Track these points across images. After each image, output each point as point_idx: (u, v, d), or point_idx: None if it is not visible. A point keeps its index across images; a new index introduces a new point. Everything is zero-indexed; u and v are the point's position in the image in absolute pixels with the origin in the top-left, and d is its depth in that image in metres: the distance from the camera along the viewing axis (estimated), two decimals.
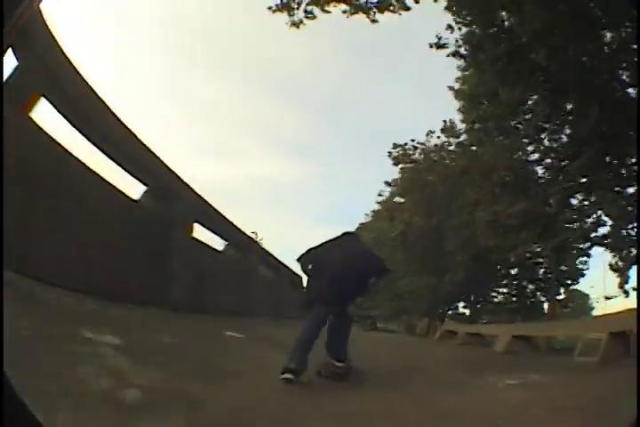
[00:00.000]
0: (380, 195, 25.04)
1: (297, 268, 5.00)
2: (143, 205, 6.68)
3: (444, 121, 20.57)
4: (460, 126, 18.34)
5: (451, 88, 15.49)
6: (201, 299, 7.55)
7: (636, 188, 11.79)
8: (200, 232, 8.48)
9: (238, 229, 10.54)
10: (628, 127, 9.55)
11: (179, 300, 6.66)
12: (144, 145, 6.41)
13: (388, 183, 23.58)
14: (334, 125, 55.79)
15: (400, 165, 21.58)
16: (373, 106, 52.52)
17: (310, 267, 4.30)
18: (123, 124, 5.82)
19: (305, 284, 4.69)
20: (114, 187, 5.72)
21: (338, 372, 3.99)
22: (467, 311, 23.34)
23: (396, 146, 21.41)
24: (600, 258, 16.27)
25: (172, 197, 7.12)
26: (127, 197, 6.13)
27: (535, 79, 10.49)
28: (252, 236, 39.64)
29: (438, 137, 20.86)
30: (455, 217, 17.03)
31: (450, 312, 23.34)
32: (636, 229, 12.70)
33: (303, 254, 4.35)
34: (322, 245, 4.41)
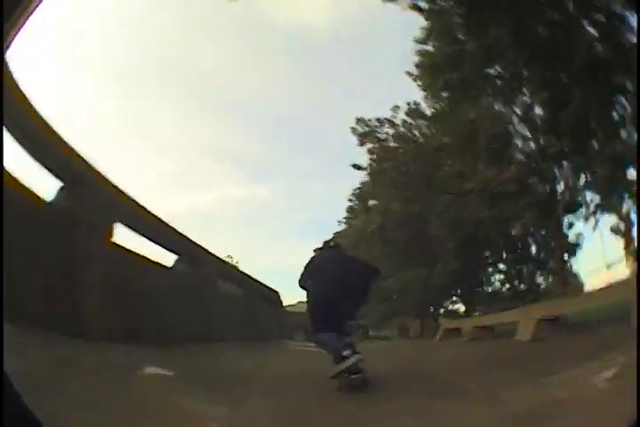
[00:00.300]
0: (353, 193, 23.14)
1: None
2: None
3: (408, 103, 18.62)
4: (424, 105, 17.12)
5: (409, 73, 14.76)
6: (132, 324, 5.45)
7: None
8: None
9: (188, 239, 8.61)
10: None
11: (95, 326, 4.65)
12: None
13: (357, 167, 20.75)
14: (294, 141, 55.14)
15: (367, 145, 19.44)
16: (327, 115, 52.09)
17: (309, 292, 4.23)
18: None
19: (307, 311, 4.35)
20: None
21: (355, 384, 3.58)
22: (459, 307, 21.60)
23: (358, 120, 19.33)
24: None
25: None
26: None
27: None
28: (228, 259, 37.01)
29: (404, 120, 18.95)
30: (436, 197, 15.35)
31: (442, 311, 21.69)
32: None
33: (300, 279, 4.30)
34: (311, 261, 4.31)
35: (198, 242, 8.95)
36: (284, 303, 53.26)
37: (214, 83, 49.88)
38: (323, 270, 4.08)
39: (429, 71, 12.79)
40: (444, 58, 11.93)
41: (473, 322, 11.63)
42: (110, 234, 5.80)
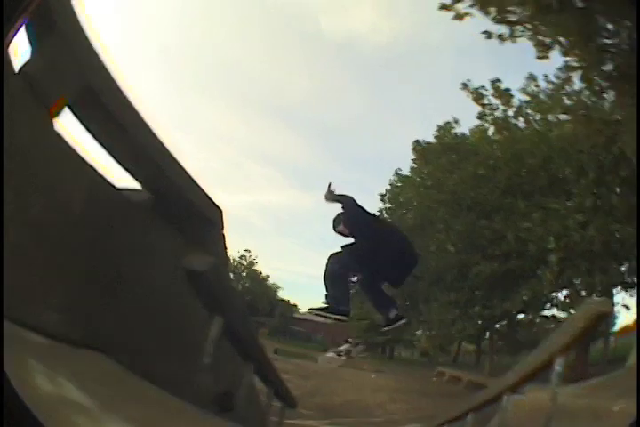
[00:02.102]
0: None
1: None
2: None
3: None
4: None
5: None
6: None
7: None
8: None
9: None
10: None
11: None
12: None
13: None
14: (340, 152, 55.00)
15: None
16: (374, 130, 52.05)
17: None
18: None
19: None
20: None
21: None
22: None
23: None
24: None
25: None
26: None
27: None
28: (245, 253, 34.91)
29: None
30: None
31: None
32: None
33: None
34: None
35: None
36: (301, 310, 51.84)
37: (268, 87, 50.26)
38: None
39: None
40: None
41: None
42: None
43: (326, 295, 3.52)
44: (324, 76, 48.13)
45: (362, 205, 3.68)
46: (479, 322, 15.59)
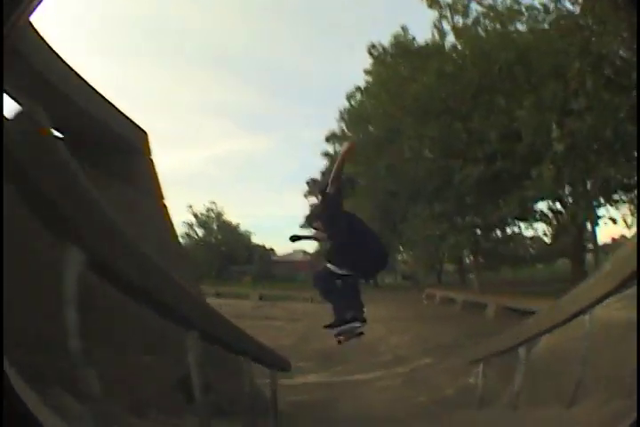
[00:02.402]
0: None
1: None
2: None
3: None
4: None
5: None
6: None
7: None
8: None
9: None
10: None
11: None
12: None
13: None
14: (289, 91, 51.95)
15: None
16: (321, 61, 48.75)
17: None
18: None
19: None
20: None
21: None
22: None
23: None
24: None
25: None
26: None
27: None
28: (211, 206, 35.07)
29: None
30: None
31: None
32: None
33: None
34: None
35: None
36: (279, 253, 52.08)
37: (202, 40, 46.54)
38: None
39: None
40: None
41: None
42: None
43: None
44: (260, 20, 43.55)
45: (341, 203, 3.55)
46: (474, 233, 14.30)
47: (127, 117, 3.44)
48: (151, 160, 3.55)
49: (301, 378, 6.78)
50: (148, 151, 3.52)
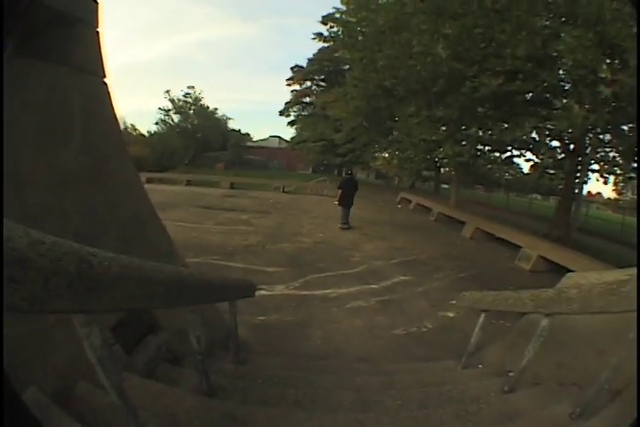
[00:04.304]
0: None
1: None
2: None
3: None
4: None
5: None
6: None
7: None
8: None
9: None
10: None
11: None
12: None
13: None
14: None
15: None
16: None
17: (343, 186, 12.28)
18: None
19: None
20: None
21: (344, 228, 12.14)
22: None
23: None
24: None
25: None
26: None
27: None
28: (189, 91, 33.54)
29: None
30: None
31: None
32: None
33: (339, 185, 12.61)
34: (343, 179, 12.97)
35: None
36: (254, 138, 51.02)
37: None
38: (346, 182, 12.37)
39: None
40: None
41: None
42: None
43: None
44: None
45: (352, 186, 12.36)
46: (474, 147, 13.11)
47: None
48: (98, 33, 2.87)
49: (269, 290, 6.18)
50: (96, 24, 2.87)
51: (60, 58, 2.54)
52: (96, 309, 1.12)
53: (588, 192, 18.78)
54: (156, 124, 44.15)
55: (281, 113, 41.49)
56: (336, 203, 12.65)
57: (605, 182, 11.63)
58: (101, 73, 2.96)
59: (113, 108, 3.11)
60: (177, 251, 3.75)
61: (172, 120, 43.77)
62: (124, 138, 4.14)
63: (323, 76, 37.81)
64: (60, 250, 0.96)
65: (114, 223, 2.84)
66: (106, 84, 3.02)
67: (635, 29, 7.20)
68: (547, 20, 9.68)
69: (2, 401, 0.95)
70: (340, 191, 12.17)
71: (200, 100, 43.85)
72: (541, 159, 12.48)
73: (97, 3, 2.79)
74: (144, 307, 1.96)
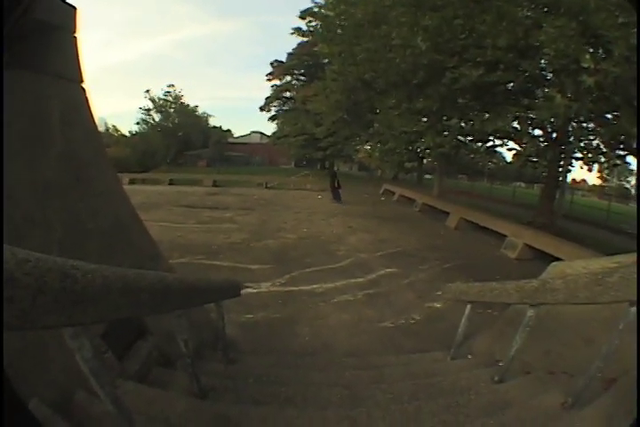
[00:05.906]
0: None
1: None
2: None
3: None
4: None
5: None
6: None
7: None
8: None
9: None
10: None
11: None
12: None
13: None
14: None
15: None
16: None
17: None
18: None
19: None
20: None
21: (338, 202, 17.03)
22: None
23: None
24: None
25: None
26: None
27: None
28: (170, 89, 33.37)
29: None
30: None
31: None
32: None
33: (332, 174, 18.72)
34: (332, 174, 18.95)
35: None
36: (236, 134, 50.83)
37: None
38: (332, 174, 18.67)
39: None
40: None
41: None
42: None
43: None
44: None
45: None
46: (455, 138, 13.15)
47: None
48: (75, 38, 2.85)
49: (255, 288, 6.11)
50: (74, 29, 2.86)
51: (40, 66, 2.49)
52: (83, 321, 1.13)
53: (573, 179, 19.18)
54: (138, 124, 44.12)
55: (262, 108, 41.11)
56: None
57: (590, 170, 11.80)
58: (79, 78, 2.89)
59: (91, 114, 3.02)
60: (161, 253, 3.66)
61: (154, 119, 43.54)
62: (106, 140, 4.03)
63: (302, 71, 37.52)
64: (45, 266, 0.96)
65: (97, 230, 2.75)
66: (84, 89, 2.94)
67: (621, 19, 7.28)
68: (528, 11, 9.71)
69: (2, 401, 0.96)
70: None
71: (180, 98, 43.79)
72: (524, 148, 12.54)
73: (75, 8, 2.73)
74: (130, 315, 1.91)
